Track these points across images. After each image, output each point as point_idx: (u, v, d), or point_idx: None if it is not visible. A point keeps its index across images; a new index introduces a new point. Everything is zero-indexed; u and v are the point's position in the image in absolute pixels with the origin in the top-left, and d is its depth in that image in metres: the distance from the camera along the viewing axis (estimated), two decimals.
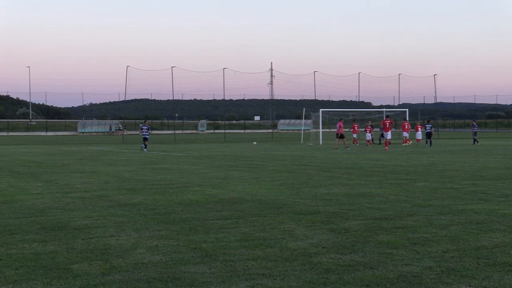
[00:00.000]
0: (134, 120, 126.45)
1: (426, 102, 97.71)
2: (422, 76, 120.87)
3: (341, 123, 43.71)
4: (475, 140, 46.76)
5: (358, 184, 16.82)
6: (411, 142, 48.00)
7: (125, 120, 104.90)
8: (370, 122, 50.72)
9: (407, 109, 56.45)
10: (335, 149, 41.01)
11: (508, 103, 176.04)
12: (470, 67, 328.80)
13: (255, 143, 53.78)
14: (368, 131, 47.91)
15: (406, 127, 48.52)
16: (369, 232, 9.53)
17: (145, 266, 7.41)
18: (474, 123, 49.59)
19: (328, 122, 72.32)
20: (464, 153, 34.05)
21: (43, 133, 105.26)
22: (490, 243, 8.60)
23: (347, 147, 42.18)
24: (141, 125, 41.30)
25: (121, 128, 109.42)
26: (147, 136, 40.28)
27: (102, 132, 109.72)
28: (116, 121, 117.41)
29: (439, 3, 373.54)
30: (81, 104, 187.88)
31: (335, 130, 46.41)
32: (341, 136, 42.54)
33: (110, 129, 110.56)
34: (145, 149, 39.08)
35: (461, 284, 6.54)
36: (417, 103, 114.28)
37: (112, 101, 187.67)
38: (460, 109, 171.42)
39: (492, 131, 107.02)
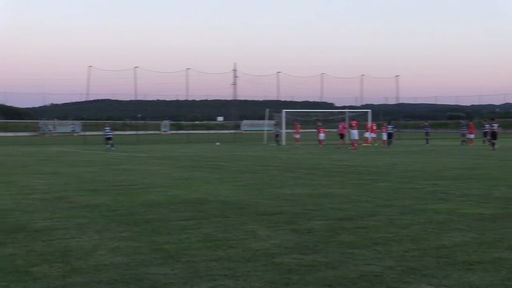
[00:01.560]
0: (96, 121, 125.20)
1: (388, 103, 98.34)
2: (385, 77, 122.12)
3: (343, 124, 45.48)
4: (427, 140, 47.65)
5: (320, 185, 16.91)
6: (370, 143, 48.47)
7: (93, 120, 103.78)
8: (319, 123, 51.80)
9: (369, 110, 56.94)
10: (347, 148, 42.12)
11: (468, 104, 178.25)
12: (432, 68, 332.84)
13: (218, 143, 53.75)
14: (321, 132, 49.11)
15: (374, 127, 49.30)
16: (332, 232, 9.58)
17: (106, 268, 7.35)
18: (426, 124, 50.43)
19: (291, 122, 72.50)
20: (425, 153, 34.46)
21: (3, 134, 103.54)
22: (450, 242, 8.71)
23: (347, 147, 42.96)
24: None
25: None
26: (110, 136, 42.04)
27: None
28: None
29: (400, 4, 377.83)
30: (42, 105, 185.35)
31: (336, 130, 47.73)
32: (342, 136, 44.05)
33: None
34: (112, 148, 40.50)
35: (422, 283, 6.61)
36: (380, 104, 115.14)
37: (74, 101, 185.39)
38: (422, 110, 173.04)
39: (453, 132, 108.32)
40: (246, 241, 8.92)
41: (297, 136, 50.82)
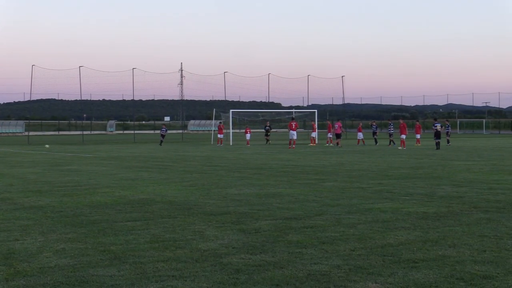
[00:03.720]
0: (40, 121, 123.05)
1: (334, 103, 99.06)
2: (331, 78, 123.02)
3: (339, 123, 46.89)
4: (376, 140, 48.45)
5: (268, 184, 16.96)
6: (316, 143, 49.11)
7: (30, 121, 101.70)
8: (253, 123, 54.39)
9: (316, 110, 57.35)
10: (331, 145, 44.74)
11: (412, 105, 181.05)
12: (377, 68, 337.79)
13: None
14: (247, 132, 51.99)
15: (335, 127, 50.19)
16: (279, 232, 9.62)
17: (51, 270, 7.23)
18: (374, 124, 51.17)
19: (238, 122, 72.47)
20: (371, 153, 34.89)
21: None
22: (395, 241, 8.84)
23: (340, 146, 44.55)
24: None
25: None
26: None
27: None
28: None
29: (344, 5, 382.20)
30: None
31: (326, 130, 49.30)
32: (338, 136, 45.79)
33: None
34: None
35: (368, 281, 6.69)
36: (326, 104, 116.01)
37: (16, 101, 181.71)
38: (367, 110, 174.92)
39: (397, 132, 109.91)
40: (193, 241, 8.89)
41: (220, 136, 51.46)
